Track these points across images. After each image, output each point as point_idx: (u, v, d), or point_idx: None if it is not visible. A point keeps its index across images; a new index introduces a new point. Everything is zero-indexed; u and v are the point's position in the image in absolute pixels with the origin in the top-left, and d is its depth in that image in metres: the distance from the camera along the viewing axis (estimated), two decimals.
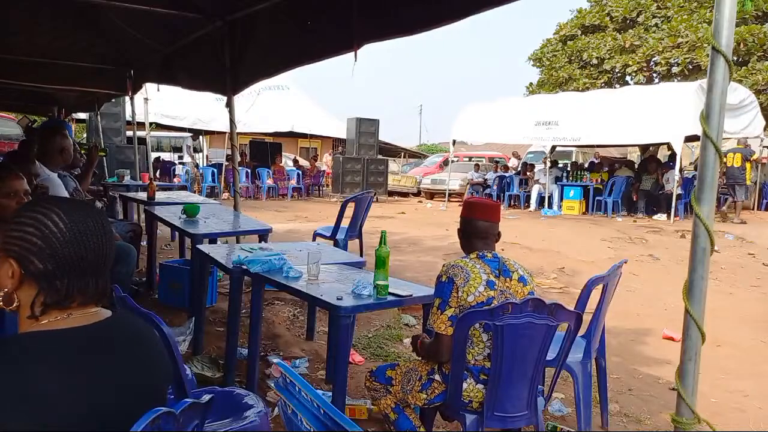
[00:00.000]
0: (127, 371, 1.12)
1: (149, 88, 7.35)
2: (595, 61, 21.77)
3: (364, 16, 3.05)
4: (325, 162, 19.81)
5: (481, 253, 2.33)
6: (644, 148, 15.39)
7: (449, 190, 16.43)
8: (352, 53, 3.13)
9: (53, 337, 1.07)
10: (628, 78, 21.60)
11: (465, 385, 2.22)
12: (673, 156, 12.42)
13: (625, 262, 2.98)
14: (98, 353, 1.09)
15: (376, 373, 2.47)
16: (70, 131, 8.64)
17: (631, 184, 13.45)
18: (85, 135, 12.39)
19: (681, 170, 12.32)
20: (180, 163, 16.84)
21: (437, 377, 2.32)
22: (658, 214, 12.51)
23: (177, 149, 18.24)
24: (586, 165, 15.89)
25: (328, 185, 18.36)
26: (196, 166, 16.77)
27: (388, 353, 3.90)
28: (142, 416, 1.01)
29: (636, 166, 15.07)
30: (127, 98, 8.13)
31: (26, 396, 0.96)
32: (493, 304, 2.19)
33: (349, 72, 3.10)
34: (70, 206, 1.15)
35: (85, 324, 1.11)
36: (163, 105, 12.90)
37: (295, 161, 18.67)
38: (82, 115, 12.25)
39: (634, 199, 13.28)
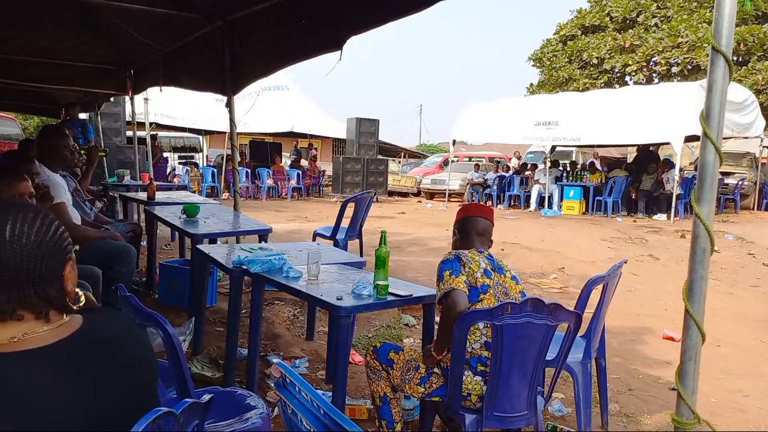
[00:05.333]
0: (107, 379, 1.07)
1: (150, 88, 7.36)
2: (595, 61, 21.79)
3: (351, 9, 3.14)
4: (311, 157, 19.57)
5: (479, 249, 2.44)
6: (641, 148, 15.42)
7: (449, 190, 16.43)
8: (338, 52, 3.25)
9: (32, 355, 1.02)
10: (627, 78, 21.61)
11: (463, 378, 2.22)
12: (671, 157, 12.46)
13: (625, 262, 2.98)
14: (77, 366, 1.04)
15: (379, 350, 2.46)
16: (90, 133, 8.67)
17: (630, 183, 13.46)
18: None
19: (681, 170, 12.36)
20: (192, 163, 16.78)
21: (436, 370, 2.34)
22: (658, 214, 12.52)
23: (177, 149, 18.22)
24: (585, 165, 15.87)
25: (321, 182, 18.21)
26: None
27: None
28: (143, 416, 1.01)
29: (631, 164, 15.06)
30: (127, 98, 8.13)
31: (10, 411, 0.94)
32: (489, 293, 2.28)
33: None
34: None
35: (62, 338, 1.06)
36: (163, 105, 12.90)
37: (297, 161, 18.61)
38: (82, 115, 12.24)
39: (633, 197, 13.29)
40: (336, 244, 5.39)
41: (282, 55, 4.07)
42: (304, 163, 18.33)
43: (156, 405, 1.12)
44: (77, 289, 1.16)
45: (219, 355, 3.50)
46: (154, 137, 11.98)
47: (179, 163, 17.06)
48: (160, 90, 5.95)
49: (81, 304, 1.15)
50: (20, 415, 0.94)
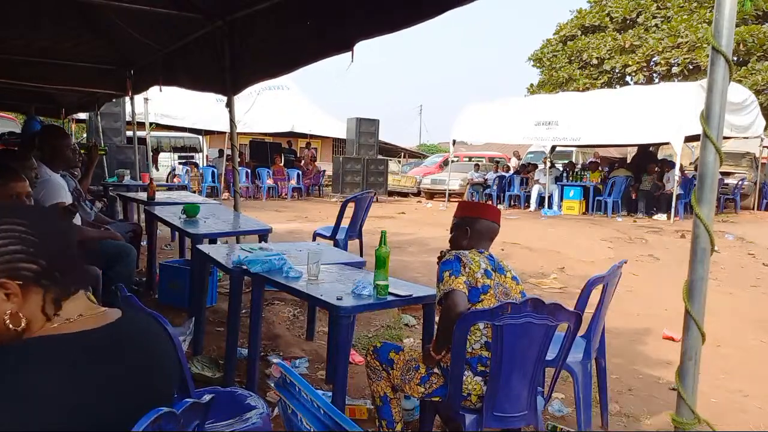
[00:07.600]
0: (136, 375, 1.10)
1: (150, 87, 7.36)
2: (595, 62, 21.79)
3: (359, 12, 3.10)
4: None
5: (479, 250, 2.42)
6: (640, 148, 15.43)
7: (449, 190, 16.43)
8: (350, 53, 3.19)
9: (63, 342, 1.05)
10: (628, 78, 21.61)
11: (463, 378, 2.22)
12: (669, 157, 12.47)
13: (625, 262, 2.98)
14: (109, 357, 1.07)
15: (380, 350, 2.46)
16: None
17: (631, 184, 13.46)
18: (85, 135, 12.41)
19: (681, 169, 12.37)
20: (192, 163, 16.82)
21: (436, 370, 2.33)
22: (658, 214, 12.52)
23: (177, 149, 18.22)
24: (585, 164, 15.86)
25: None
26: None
27: None
28: (144, 416, 1.01)
29: (632, 164, 15.06)
30: (127, 98, 8.14)
31: (33, 399, 0.95)
32: (489, 293, 2.27)
33: (349, 72, 3.13)
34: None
35: (95, 327, 1.09)
36: (163, 105, 12.91)
37: (296, 159, 18.59)
38: (82, 115, 12.25)
39: (633, 197, 13.29)
40: (336, 244, 5.39)
41: (284, 54, 4.03)
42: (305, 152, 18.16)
43: (169, 402, 1.14)
44: None
45: (219, 355, 3.50)
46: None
47: (179, 163, 17.05)
48: (160, 90, 5.96)
49: None
50: (64, 392, 0.98)
